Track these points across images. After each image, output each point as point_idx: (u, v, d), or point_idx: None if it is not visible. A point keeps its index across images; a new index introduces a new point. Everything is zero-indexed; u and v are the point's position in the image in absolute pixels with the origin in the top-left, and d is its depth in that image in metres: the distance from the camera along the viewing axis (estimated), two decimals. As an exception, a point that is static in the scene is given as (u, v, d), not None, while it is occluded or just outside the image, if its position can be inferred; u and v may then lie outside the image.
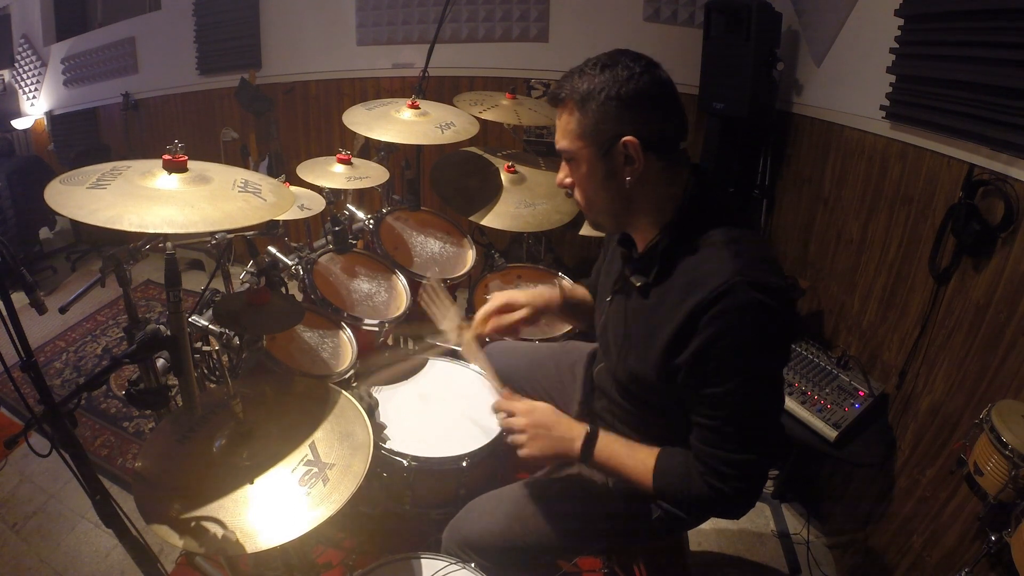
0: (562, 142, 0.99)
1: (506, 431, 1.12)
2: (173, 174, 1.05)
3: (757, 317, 0.87)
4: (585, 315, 1.39)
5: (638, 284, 1.02)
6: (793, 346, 1.98)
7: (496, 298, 1.28)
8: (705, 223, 0.96)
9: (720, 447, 0.94)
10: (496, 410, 1.15)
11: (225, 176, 1.12)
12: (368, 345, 1.70)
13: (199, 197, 1.02)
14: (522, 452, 1.08)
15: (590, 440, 1.06)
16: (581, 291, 1.43)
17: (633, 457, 1.05)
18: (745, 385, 0.90)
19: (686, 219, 0.97)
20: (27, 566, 1.87)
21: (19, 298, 0.91)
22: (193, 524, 0.93)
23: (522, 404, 1.12)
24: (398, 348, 1.83)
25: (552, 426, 1.09)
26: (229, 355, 1.42)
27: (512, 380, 1.52)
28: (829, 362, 1.91)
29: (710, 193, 1.01)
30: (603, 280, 1.24)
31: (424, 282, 1.40)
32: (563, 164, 1.03)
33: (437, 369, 1.66)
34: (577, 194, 1.03)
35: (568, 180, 1.03)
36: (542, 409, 1.11)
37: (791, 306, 0.92)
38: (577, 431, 1.07)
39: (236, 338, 1.37)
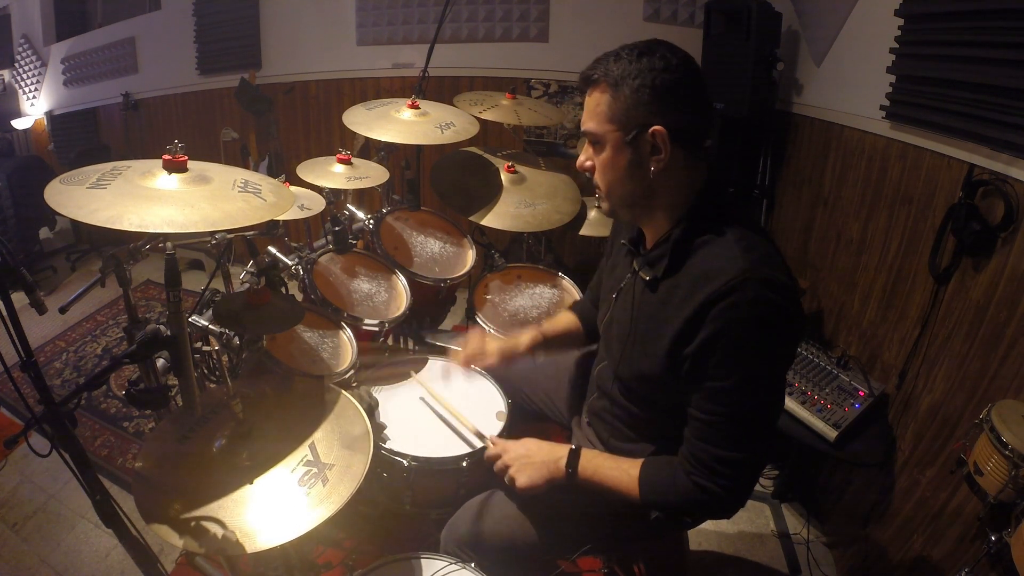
0: (589, 123, 0.98)
1: (500, 474, 1.19)
2: (173, 174, 1.04)
3: (766, 314, 0.87)
4: (571, 344, 1.45)
5: (647, 278, 1.02)
6: (794, 346, 1.98)
7: (467, 346, 1.40)
8: (717, 220, 0.96)
9: (713, 442, 0.94)
10: (487, 459, 1.23)
11: (225, 176, 1.12)
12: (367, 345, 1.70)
13: (199, 197, 1.02)
14: (516, 486, 1.14)
15: (573, 456, 1.10)
16: (564, 324, 1.44)
17: (618, 468, 1.07)
18: (746, 382, 0.90)
19: (699, 214, 0.98)
20: (27, 566, 1.87)
21: (19, 298, 0.91)
22: (193, 524, 0.93)
23: (504, 444, 1.20)
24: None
25: (534, 453, 1.15)
26: (229, 355, 1.42)
27: (510, 383, 1.53)
28: (829, 362, 1.91)
29: (724, 191, 1.01)
30: (607, 279, 1.24)
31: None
32: (585, 146, 1.02)
33: (437, 369, 1.66)
34: (597, 178, 1.02)
35: (589, 163, 1.02)
36: (523, 441, 1.19)
37: (799, 306, 0.93)
38: (560, 451, 1.12)
39: (236, 338, 1.37)
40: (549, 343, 1.41)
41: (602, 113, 0.95)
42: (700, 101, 0.96)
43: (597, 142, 0.99)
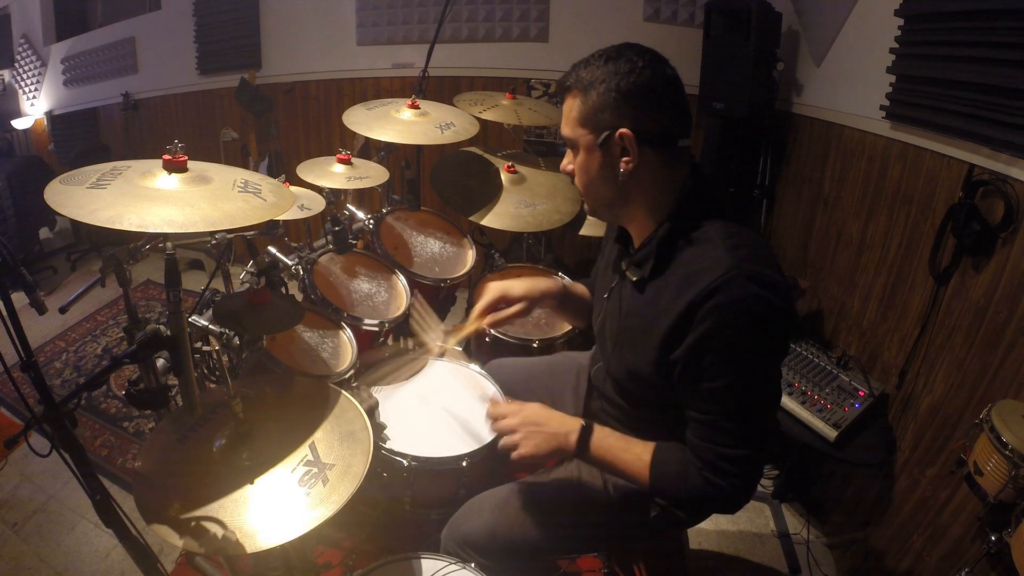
0: (565, 128, 1.02)
1: (499, 434, 1.12)
2: (173, 174, 1.04)
3: (754, 310, 0.87)
4: (582, 312, 1.40)
5: (634, 279, 1.03)
6: (793, 346, 1.98)
7: (490, 291, 1.28)
8: (702, 218, 0.97)
9: (716, 442, 0.94)
10: (488, 416, 1.15)
11: (225, 176, 1.12)
12: (368, 345, 1.70)
13: (199, 197, 1.02)
14: (517, 453, 1.07)
15: (585, 433, 1.05)
16: (580, 288, 1.44)
17: (629, 451, 1.04)
18: (742, 380, 0.90)
19: (683, 214, 0.98)
20: (27, 566, 1.87)
21: (19, 298, 0.91)
22: (193, 524, 0.93)
23: (512, 406, 1.13)
24: (397, 349, 1.83)
25: (545, 422, 1.08)
26: (229, 355, 1.42)
27: (509, 393, 1.52)
28: (829, 362, 1.91)
29: (708, 190, 1.01)
30: (600, 279, 1.24)
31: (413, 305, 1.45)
32: (568, 151, 1.05)
33: (437, 369, 1.66)
34: (576, 181, 1.06)
35: (570, 167, 1.05)
36: (533, 407, 1.12)
37: (789, 300, 0.93)
38: (571, 425, 1.06)
39: (236, 338, 1.36)
40: (568, 299, 1.36)
41: (575, 118, 0.99)
42: (669, 102, 0.96)
43: (573, 146, 1.02)
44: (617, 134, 0.94)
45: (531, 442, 1.06)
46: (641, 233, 1.05)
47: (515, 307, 1.27)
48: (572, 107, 0.99)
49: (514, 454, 1.07)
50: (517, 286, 1.28)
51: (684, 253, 0.96)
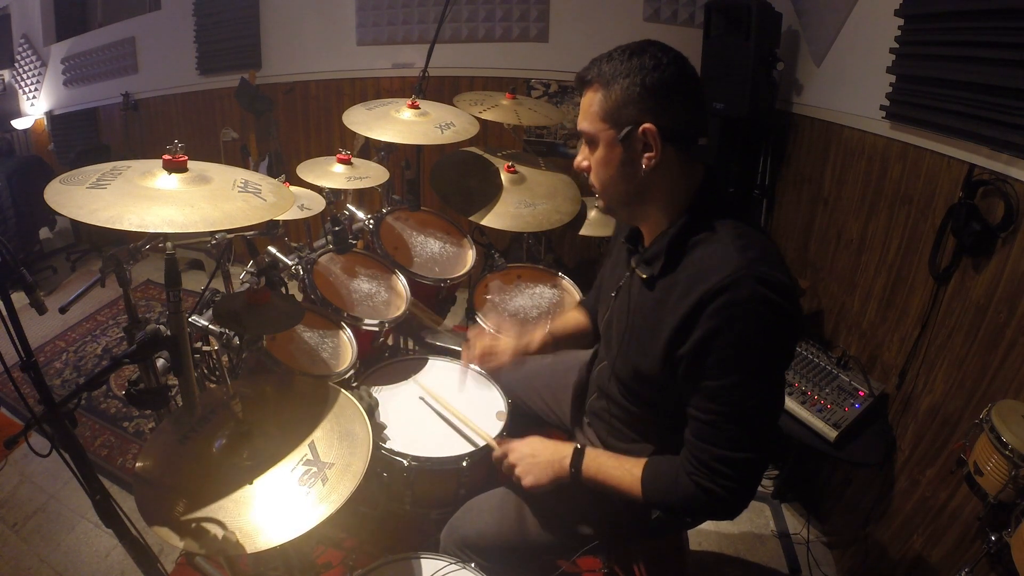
0: (583, 123, 1.00)
1: (507, 473, 1.19)
2: (173, 174, 1.04)
3: (761, 311, 0.87)
4: (579, 341, 1.44)
5: (644, 276, 1.03)
6: (793, 346, 1.98)
7: (479, 342, 1.38)
8: (714, 218, 0.96)
9: (714, 443, 0.94)
10: (494, 461, 1.23)
11: (225, 176, 1.12)
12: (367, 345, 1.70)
13: (199, 197, 1.02)
14: (522, 485, 1.15)
15: (577, 455, 1.10)
16: (573, 321, 1.44)
17: (620, 467, 1.07)
18: (745, 380, 0.90)
19: (696, 213, 0.98)
20: (27, 566, 1.87)
21: (19, 298, 0.91)
22: (193, 524, 0.93)
23: (510, 444, 1.20)
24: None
25: (538, 452, 1.16)
26: (229, 355, 1.42)
27: (510, 390, 1.53)
28: (829, 362, 1.91)
29: (721, 190, 1.01)
30: (608, 278, 1.24)
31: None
32: (583, 147, 1.04)
33: (437, 369, 1.66)
34: (592, 177, 1.04)
35: (585, 163, 1.03)
36: (528, 441, 1.19)
37: (796, 304, 0.92)
38: (564, 451, 1.12)
39: (236, 338, 1.36)
40: (559, 342, 1.40)
41: (595, 112, 0.97)
42: (692, 100, 0.96)
43: (592, 141, 1.00)
44: (640, 129, 0.93)
45: (531, 474, 1.14)
46: (653, 231, 1.05)
47: (500, 360, 1.37)
48: (592, 101, 0.97)
49: (523, 485, 1.15)
50: (504, 344, 1.38)
51: (695, 252, 0.96)
